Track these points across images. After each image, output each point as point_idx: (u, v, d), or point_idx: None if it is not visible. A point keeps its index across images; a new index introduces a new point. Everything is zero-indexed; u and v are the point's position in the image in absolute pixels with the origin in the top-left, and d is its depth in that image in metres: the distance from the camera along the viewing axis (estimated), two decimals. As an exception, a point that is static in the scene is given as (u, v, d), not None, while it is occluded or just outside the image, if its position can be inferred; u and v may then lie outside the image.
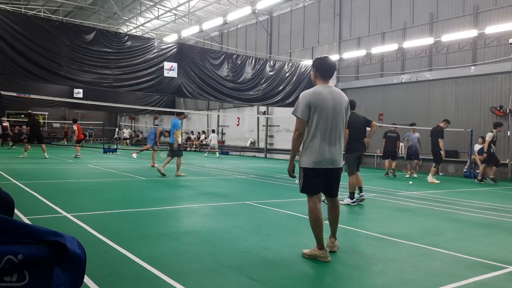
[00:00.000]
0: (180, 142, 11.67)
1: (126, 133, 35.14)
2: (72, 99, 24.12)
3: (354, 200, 7.49)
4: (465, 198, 9.07)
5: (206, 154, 23.73)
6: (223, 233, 4.93)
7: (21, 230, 1.41)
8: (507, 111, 14.23)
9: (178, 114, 12.38)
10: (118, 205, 6.69)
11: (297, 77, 18.59)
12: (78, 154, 18.03)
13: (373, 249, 4.48)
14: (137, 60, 14.53)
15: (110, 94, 23.78)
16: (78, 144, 18.61)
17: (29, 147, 17.10)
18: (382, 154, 15.13)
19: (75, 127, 18.73)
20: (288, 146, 22.37)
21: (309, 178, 4.00)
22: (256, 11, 22.29)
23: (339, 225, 4.35)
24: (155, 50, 14.90)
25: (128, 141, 34.55)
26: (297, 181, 4.51)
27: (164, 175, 11.26)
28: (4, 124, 23.28)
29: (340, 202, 6.71)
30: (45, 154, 16.45)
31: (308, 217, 4.06)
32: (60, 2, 26.29)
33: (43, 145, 16.76)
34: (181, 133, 12.03)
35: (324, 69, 4.11)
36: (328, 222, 4.23)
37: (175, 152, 11.55)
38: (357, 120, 7.72)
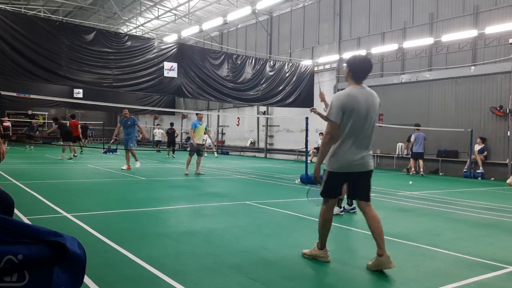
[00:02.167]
0: (198, 142, 12.40)
1: None
2: (72, 99, 24.11)
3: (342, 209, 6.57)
4: (465, 198, 9.07)
5: (205, 155, 23.74)
6: (223, 233, 4.93)
7: (21, 230, 1.41)
8: (507, 111, 14.23)
9: (197, 114, 12.95)
10: (118, 205, 6.70)
11: (297, 77, 18.59)
12: (74, 154, 17.41)
13: (373, 249, 4.47)
14: (137, 60, 14.53)
15: (110, 94, 23.78)
16: (74, 144, 17.85)
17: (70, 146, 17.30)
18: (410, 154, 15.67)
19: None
20: (288, 146, 22.63)
21: (333, 182, 3.85)
22: (256, 11, 22.27)
23: (338, 225, 4.35)
24: (155, 50, 14.89)
25: None
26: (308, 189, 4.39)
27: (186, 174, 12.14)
28: (5, 124, 23.18)
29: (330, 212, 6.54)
30: (74, 153, 17.10)
31: (318, 219, 3.99)
32: (60, 2, 26.28)
33: (73, 145, 17.30)
34: (202, 132, 12.51)
35: (356, 70, 3.84)
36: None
37: (191, 151, 12.46)
38: None
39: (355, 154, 3.74)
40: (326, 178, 3.87)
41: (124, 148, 13.63)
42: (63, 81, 13.43)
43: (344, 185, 3.98)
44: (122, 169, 12.72)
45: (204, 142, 23.99)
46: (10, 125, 24.06)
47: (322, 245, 3.93)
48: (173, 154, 22.10)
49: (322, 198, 3.97)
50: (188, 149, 12.64)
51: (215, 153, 24.28)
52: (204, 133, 12.58)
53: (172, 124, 23.87)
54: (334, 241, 4.36)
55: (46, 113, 36.26)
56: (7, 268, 1.33)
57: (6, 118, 27.00)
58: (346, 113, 3.71)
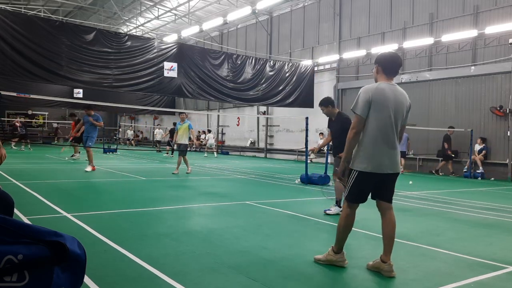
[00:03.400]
0: (179, 142, 12.47)
1: (129, 133, 35.59)
2: (72, 99, 24.07)
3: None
4: (465, 198, 9.07)
5: (206, 155, 23.75)
6: (223, 233, 4.93)
7: (21, 230, 1.41)
8: (507, 111, 14.23)
9: (180, 114, 13.32)
10: (118, 205, 6.69)
11: (297, 77, 18.59)
12: (75, 154, 16.98)
13: (373, 249, 4.47)
14: (137, 60, 14.53)
15: (110, 94, 23.78)
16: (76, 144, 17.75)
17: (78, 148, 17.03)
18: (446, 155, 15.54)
19: None
20: (288, 146, 22.60)
21: (361, 183, 3.65)
22: (256, 11, 22.26)
23: (335, 224, 4.32)
24: (155, 50, 14.90)
25: (133, 141, 34.95)
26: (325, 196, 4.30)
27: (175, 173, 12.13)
28: (16, 124, 23.04)
29: (328, 211, 6.44)
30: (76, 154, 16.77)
31: (338, 222, 3.86)
32: (60, 2, 26.28)
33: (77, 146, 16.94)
34: (181, 132, 12.58)
35: (388, 65, 3.77)
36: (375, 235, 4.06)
37: (179, 151, 12.63)
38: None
39: (386, 153, 3.59)
40: (355, 179, 3.65)
41: (83, 146, 12.62)
42: (63, 81, 13.44)
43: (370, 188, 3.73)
44: (86, 171, 11.60)
45: (205, 142, 24.12)
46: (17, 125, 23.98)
47: (339, 249, 3.81)
48: (172, 154, 22.17)
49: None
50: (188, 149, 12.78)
51: (215, 153, 24.27)
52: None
53: (175, 124, 23.89)
54: (333, 241, 4.34)
55: (46, 113, 36.26)
56: (7, 268, 1.33)
57: (7, 119, 26.89)
58: (372, 107, 3.58)
